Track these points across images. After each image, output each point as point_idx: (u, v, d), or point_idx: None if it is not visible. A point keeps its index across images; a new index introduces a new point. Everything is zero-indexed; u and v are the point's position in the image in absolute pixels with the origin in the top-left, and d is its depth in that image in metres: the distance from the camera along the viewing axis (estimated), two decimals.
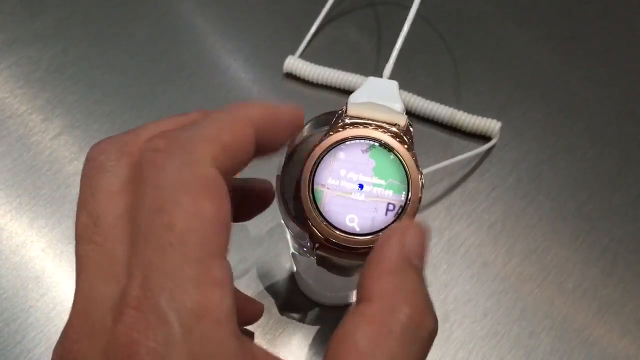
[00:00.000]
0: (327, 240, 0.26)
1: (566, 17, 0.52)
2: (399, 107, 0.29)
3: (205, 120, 0.20)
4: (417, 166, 0.27)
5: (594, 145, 0.46)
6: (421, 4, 0.52)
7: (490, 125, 0.44)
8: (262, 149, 0.22)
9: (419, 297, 0.20)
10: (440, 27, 0.51)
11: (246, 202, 0.28)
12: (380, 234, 0.26)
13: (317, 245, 0.26)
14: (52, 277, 0.40)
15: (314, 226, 0.26)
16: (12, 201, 0.43)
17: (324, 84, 0.47)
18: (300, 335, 0.39)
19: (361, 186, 0.27)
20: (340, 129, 0.28)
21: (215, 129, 0.20)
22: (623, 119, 0.47)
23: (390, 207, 0.26)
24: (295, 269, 0.39)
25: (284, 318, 0.39)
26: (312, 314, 0.40)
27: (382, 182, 0.26)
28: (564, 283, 0.41)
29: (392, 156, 0.27)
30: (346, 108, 0.29)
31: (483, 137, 0.45)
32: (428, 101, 0.45)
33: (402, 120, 0.28)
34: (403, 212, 0.26)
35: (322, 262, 0.28)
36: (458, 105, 0.46)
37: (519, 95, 0.48)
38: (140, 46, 0.50)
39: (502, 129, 0.45)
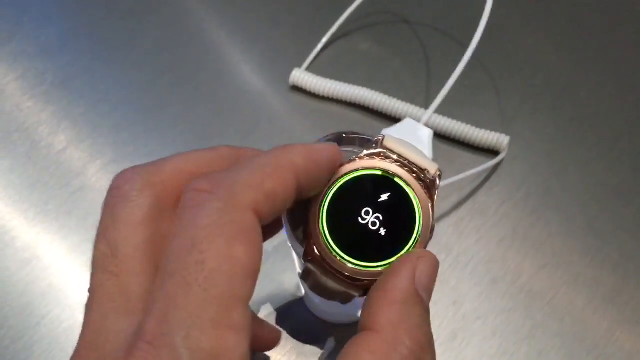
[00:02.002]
0: (322, 258, 0.26)
1: (576, 28, 0.51)
2: (428, 154, 0.29)
3: (250, 165, 0.20)
4: (432, 219, 0.26)
5: (605, 158, 0.45)
6: (428, 17, 0.51)
7: (499, 139, 0.44)
8: (300, 193, 0.22)
9: (422, 332, 0.20)
10: (447, 40, 0.50)
11: None
12: (376, 269, 0.25)
13: (309, 258, 0.26)
14: (58, 294, 0.40)
15: (314, 244, 0.26)
16: (19, 216, 0.43)
17: (330, 97, 0.47)
18: (308, 353, 0.39)
19: (372, 218, 0.26)
20: (368, 157, 0.27)
21: (259, 176, 0.20)
22: (634, 131, 0.46)
23: (394, 247, 0.26)
24: (302, 288, 0.39)
25: (291, 337, 0.39)
26: (319, 331, 0.39)
27: (394, 219, 0.26)
28: (574, 300, 0.40)
29: (411, 200, 0.26)
30: (383, 139, 0.28)
31: (492, 152, 0.45)
32: (436, 115, 0.45)
33: (433, 169, 0.27)
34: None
35: (306, 276, 0.27)
36: (466, 119, 0.45)
37: (528, 108, 0.47)
38: (146, 58, 0.49)
39: (510, 142, 0.44)
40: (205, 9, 0.52)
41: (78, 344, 0.19)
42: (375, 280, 0.26)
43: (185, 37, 0.50)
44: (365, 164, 0.27)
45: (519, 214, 0.43)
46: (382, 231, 0.26)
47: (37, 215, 0.43)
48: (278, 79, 0.48)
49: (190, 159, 0.22)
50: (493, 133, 0.44)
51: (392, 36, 0.51)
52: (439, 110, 0.45)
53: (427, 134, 0.30)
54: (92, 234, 0.42)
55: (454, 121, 0.45)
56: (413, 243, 0.26)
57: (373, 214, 0.26)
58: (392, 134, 0.29)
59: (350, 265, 0.26)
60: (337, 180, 0.26)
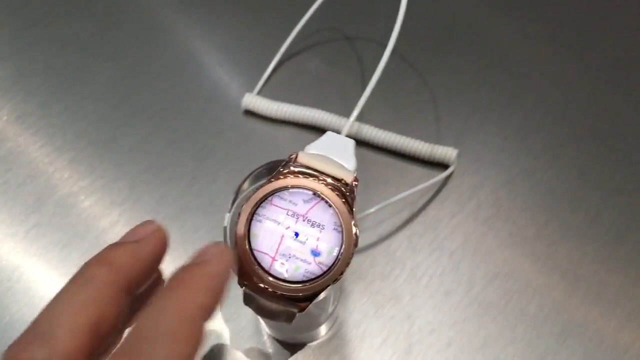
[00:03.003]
0: (255, 280, 0.27)
1: (519, 41, 0.52)
2: (350, 165, 0.30)
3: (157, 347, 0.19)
4: (354, 224, 0.27)
5: (551, 167, 0.46)
6: (374, 32, 0.52)
7: (447, 153, 0.45)
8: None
9: None
10: (395, 57, 0.51)
11: None
12: (307, 284, 0.26)
13: (244, 282, 0.27)
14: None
15: (245, 267, 0.27)
16: None
17: (282, 119, 0.48)
18: None
19: (297, 234, 0.27)
20: (284, 176, 0.28)
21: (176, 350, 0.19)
22: (579, 139, 0.47)
23: (321, 261, 0.27)
24: None
25: (248, 358, 0.40)
26: (278, 353, 0.40)
27: (317, 234, 0.27)
28: (526, 308, 0.41)
29: (331, 210, 0.27)
30: (296, 156, 0.29)
31: (441, 165, 0.46)
32: (384, 131, 0.46)
33: (349, 178, 0.28)
34: (332, 268, 0.26)
35: (247, 301, 0.28)
36: (415, 134, 0.46)
37: (475, 121, 0.48)
38: (100, 91, 0.50)
39: (459, 155, 0.45)
40: (156, 41, 0.53)
41: None
42: (310, 295, 0.27)
43: (137, 69, 0.51)
44: (284, 183, 0.28)
45: (469, 226, 0.44)
46: (308, 247, 0.27)
47: None
48: (231, 105, 0.49)
49: (78, 310, 0.20)
50: (441, 147, 0.45)
51: (338, 54, 0.52)
52: (389, 127, 0.46)
53: (349, 144, 0.31)
54: (49, 269, 0.42)
55: (403, 137, 0.46)
56: (338, 256, 0.27)
57: (297, 230, 0.27)
58: (312, 149, 0.30)
59: (283, 284, 0.26)
60: (259, 201, 0.27)
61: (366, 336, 0.40)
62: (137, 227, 0.24)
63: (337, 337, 0.40)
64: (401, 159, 0.46)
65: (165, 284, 0.22)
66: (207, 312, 0.21)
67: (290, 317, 0.29)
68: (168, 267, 0.24)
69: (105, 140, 0.48)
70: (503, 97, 0.49)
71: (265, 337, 0.40)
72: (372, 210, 0.42)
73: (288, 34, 0.50)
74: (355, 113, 0.37)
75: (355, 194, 0.29)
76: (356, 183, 0.29)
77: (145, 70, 0.51)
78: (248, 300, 0.29)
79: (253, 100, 0.48)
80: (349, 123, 0.36)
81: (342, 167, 0.29)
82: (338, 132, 0.47)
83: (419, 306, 0.41)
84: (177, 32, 0.53)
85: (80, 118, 0.49)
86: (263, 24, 0.53)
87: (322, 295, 0.28)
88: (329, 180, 0.28)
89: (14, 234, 0.44)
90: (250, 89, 0.49)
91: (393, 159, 0.46)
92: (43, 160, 0.47)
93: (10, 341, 0.39)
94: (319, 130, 0.48)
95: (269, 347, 0.40)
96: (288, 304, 0.27)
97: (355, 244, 0.28)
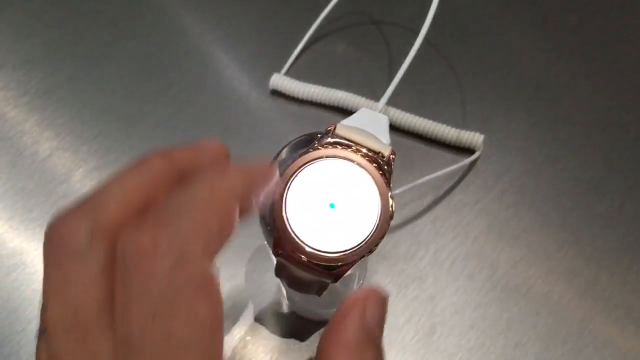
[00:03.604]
0: (291, 249, 0.27)
1: (547, 29, 0.53)
2: (385, 140, 0.30)
3: (189, 203, 0.19)
4: (391, 197, 0.27)
5: (577, 155, 0.46)
6: (403, 17, 0.52)
7: (474, 138, 0.45)
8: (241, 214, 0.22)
9: None
10: (422, 42, 0.51)
11: None
12: (343, 254, 0.26)
13: (279, 252, 0.27)
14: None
15: (281, 236, 0.27)
16: (3, 224, 0.43)
17: (309, 100, 0.48)
18: (291, 351, 0.39)
19: (333, 205, 0.27)
20: (322, 147, 0.28)
21: (202, 217, 0.18)
22: (604, 128, 0.47)
23: (358, 232, 0.27)
24: (283, 289, 0.39)
25: (273, 335, 0.40)
26: (300, 329, 0.40)
27: (354, 205, 0.27)
28: (548, 293, 0.41)
29: (368, 182, 0.27)
30: (335, 127, 0.29)
31: (467, 150, 0.46)
32: (411, 115, 0.46)
33: (386, 151, 0.28)
34: (368, 239, 0.27)
35: (280, 271, 0.28)
36: (442, 119, 0.46)
37: (502, 107, 0.48)
38: (127, 67, 0.50)
39: (485, 141, 0.45)
40: (185, 18, 0.53)
41: None
42: (345, 265, 0.27)
43: (166, 46, 0.51)
44: (322, 153, 0.28)
45: (494, 211, 0.44)
46: (345, 217, 0.27)
47: (22, 223, 0.43)
48: (258, 84, 0.49)
49: (129, 189, 0.19)
50: (468, 132, 0.45)
51: (366, 38, 0.52)
52: (415, 111, 0.47)
53: (383, 120, 0.31)
54: None
55: (430, 121, 0.46)
56: (374, 227, 0.27)
57: (334, 200, 0.27)
58: (349, 123, 0.30)
59: (318, 253, 0.27)
60: (296, 170, 0.27)
61: (389, 315, 0.40)
62: (203, 139, 0.23)
63: None
64: (427, 143, 0.46)
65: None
66: (239, 196, 0.20)
67: (322, 289, 0.29)
68: None
69: (132, 116, 0.48)
70: (529, 85, 0.49)
71: (289, 313, 0.40)
72: (397, 192, 0.43)
73: (316, 17, 0.50)
74: (388, 92, 0.37)
75: (392, 167, 0.29)
76: (393, 156, 0.29)
77: (174, 47, 0.51)
78: (280, 271, 0.29)
79: (280, 81, 0.48)
80: (383, 101, 0.37)
81: (379, 140, 0.29)
82: None
83: (442, 288, 0.41)
84: (206, 11, 0.53)
85: (107, 93, 0.49)
86: (292, 6, 0.53)
87: (349, 271, 0.28)
88: (367, 152, 0.28)
89: (42, 203, 0.44)
90: (277, 70, 0.49)
91: (419, 142, 0.46)
92: (70, 134, 0.47)
93: (34, 308, 0.40)
94: (345, 112, 0.48)
95: (292, 323, 0.40)
96: (322, 274, 0.28)
97: (391, 217, 0.28)
